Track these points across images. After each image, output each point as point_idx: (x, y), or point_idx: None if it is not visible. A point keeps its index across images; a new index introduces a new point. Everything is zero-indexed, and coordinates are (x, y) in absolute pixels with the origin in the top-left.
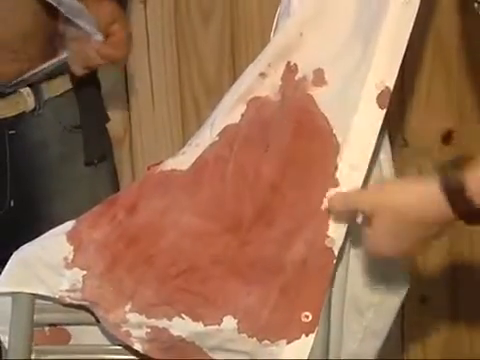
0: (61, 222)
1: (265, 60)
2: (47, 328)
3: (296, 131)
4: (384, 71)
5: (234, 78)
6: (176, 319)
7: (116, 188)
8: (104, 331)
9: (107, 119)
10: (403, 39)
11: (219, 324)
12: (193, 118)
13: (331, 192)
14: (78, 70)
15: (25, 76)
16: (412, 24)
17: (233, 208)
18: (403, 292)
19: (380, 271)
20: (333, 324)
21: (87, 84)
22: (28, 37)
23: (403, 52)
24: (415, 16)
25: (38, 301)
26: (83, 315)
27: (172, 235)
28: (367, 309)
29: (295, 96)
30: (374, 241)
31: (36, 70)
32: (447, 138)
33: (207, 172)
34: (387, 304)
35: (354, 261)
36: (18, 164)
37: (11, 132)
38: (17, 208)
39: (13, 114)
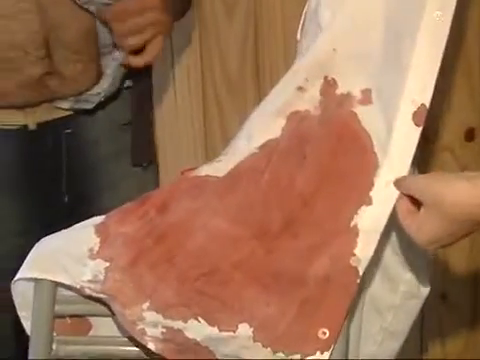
0: None
1: (301, 74)
2: (68, 317)
3: (336, 147)
4: (420, 88)
5: (257, 73)
6: (192, 321)
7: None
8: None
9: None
10: (438, 55)
11: (234, 331)
12: (215, 113)
13: (363, 209)
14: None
15: (100, 91)
16: (446, 39)
17: (262, 215)
18: (424, 294)
19: (401, 272)
20: (351, 330)
21: (141, 83)
22: (89, 37)
23: (438, 68)
24: (448, 30)
25: (60, 291)
26: (103, 307)
27: (199, 237)
28: (387, 311)
29: (338, 112)
30: (416, 227)
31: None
32: (470, 135)
33: (242, 180)
34: (407, 306)
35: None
36: (73, 162)
37: (67, 131)
38: (71, 204)
39: (70, 113)
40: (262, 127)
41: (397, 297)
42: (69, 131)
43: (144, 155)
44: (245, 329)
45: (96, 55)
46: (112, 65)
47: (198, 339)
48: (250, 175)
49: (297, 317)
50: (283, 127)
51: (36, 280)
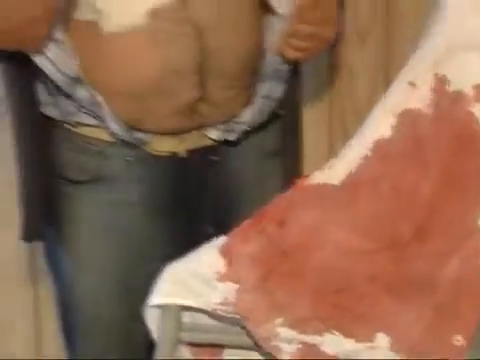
0: None
1: (413, 70)
2: None
3: (456, 149)
4: None
5: None
6: (327, 335)
7: None
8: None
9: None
10: None
11: (372, 341)
12: (340, 141)
13: None
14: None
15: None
16: None
17: (390, 226)
18: None
19: None
20: None
21: (291, 112)
22: (245, 64)
23: None
24: None
25: (188, 318)
26: (231, 336)
27: (328, 250)
28: None
29: (454, 113)
30: None
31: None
32: None
33: (361, 188)
34: None
35: None
36: (217, 190)
37: (214, 158)
38: (215, 232)
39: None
40: (373, 125)
41: None
42: (216, 159)
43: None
44: (383, 339)
45: (250, 83)
46: (260, 95)
47: (334, 352)
48: (369, 184)
49: (432, 324)
50: (394, 126)
51: (163, 306)
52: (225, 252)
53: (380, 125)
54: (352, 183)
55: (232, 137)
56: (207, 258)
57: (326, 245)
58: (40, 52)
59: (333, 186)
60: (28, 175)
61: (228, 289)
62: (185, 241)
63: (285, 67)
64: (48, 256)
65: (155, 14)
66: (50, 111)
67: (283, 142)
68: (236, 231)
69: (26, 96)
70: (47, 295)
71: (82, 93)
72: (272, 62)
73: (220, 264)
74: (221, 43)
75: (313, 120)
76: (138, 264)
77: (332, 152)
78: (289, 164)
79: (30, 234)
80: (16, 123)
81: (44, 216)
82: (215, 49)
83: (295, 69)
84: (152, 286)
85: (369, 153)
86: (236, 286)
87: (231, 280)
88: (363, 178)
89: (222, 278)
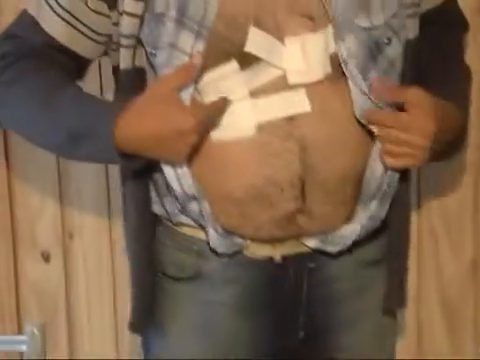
0: (349, 355)
1: None
2: None
3: None
4: None
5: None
6: None
7: None
8: None
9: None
10: None
11: None
12: (430, 250)
13: None
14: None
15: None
16: None
17: None
18: None
19: None
20: None
21: (397, 221)
22: (346, 180)
23: None
24: None
25: None
26: None
27: None
28: None
29: None
30: None
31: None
32: None
33: None
34: None
35: None
36: (313, 296)
37: (310, 265)
38: (306, 340)
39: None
40: None
41: None
42: (312, 266)
43: (397, 300)
44: None
45: (350, 198)
46: (366, 215)
47: None
48: None
49: None
50: None
51: None
52: None
53: None
54: None
55: (332, 250)
56: None
57: None
58: (182, 163)
59: None
60: (137, 271)
61: None
62: (274, 346)
63: (389, 187)
64: (145, 346)
65: (263, 128)
66: (155, 208)
67: (387, 252)
68: None
69: (141, 196)
70: None
71: (193, 206)
72: (376, 181)
73: None
74: (324, 160)
75: None
76: None
77: (421, 261)
78: (391, 274)
79: (136, 326)
80: (130, 221)
81: (148, 310)
82: (317, 165)
83: (404, 186)
84: None
85: None
86: None
87: None
88: None
89: None
